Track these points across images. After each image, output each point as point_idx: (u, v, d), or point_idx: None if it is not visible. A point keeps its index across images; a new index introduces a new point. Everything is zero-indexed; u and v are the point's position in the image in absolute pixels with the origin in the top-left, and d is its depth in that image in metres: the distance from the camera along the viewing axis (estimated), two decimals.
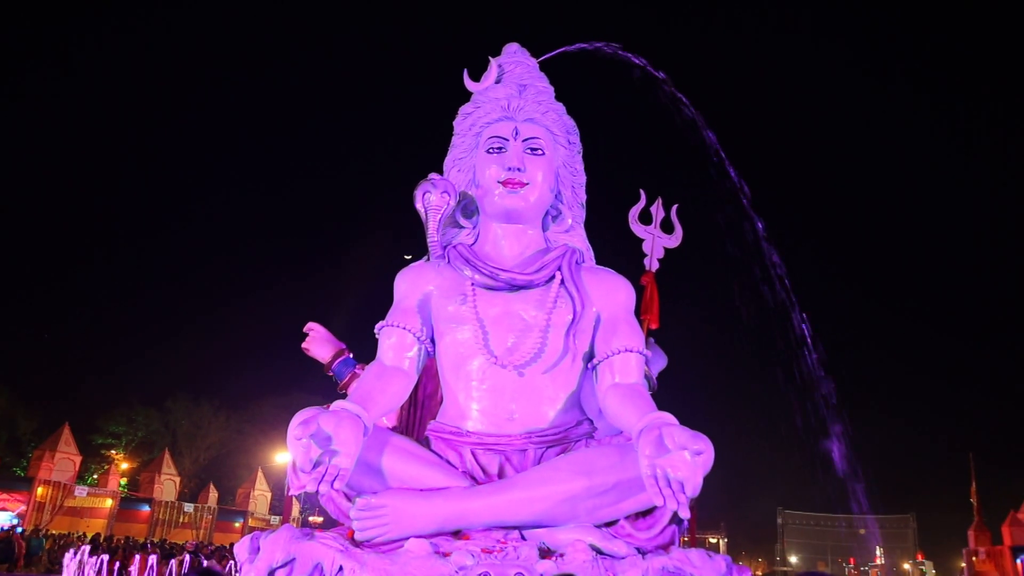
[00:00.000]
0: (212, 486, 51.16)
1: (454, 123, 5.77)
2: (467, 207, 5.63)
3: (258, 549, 4.29)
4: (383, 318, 5.28)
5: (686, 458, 3.89)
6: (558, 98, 5.82)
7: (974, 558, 43.85)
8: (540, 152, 5.43)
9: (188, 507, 48.13)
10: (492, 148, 5.45)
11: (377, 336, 5.25)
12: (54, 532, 34.06)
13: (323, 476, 4.03)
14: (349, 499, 4.60)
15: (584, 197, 5.78)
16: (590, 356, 5.19)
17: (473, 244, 5.50)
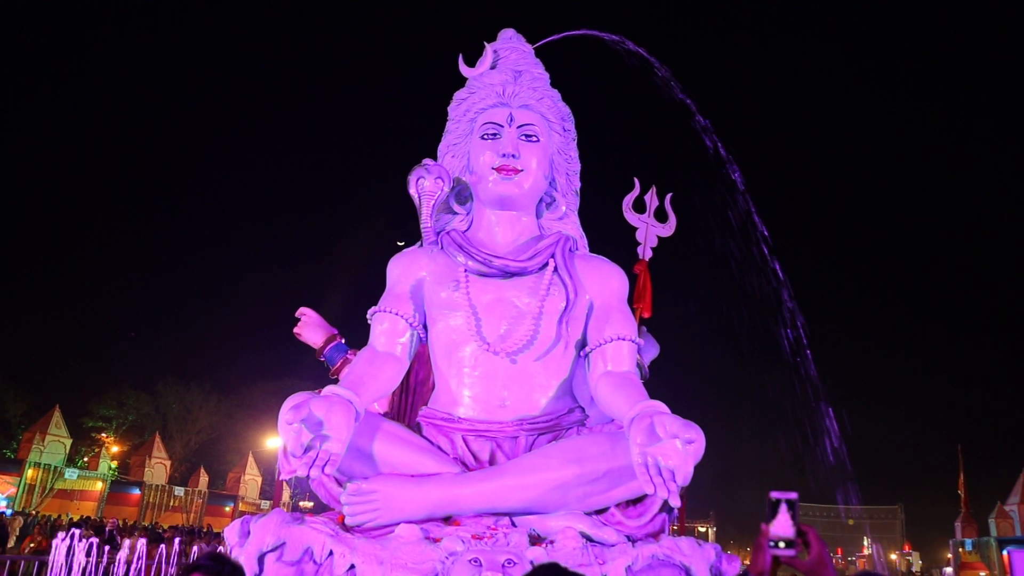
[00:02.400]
0: (203, 470, 51.07)
1: (448, 108, 5.74)
2: (461, 193, 5.61)
3: (248, 533, 4.28)
4: (376, 304, 5.27)
5: (677, 447, 3.90)
6: (553, 85, 5.79)
7: (961, 549, 44.14)
8: (535, 139, 5.41)
9: (178, 491, 48.11)
10: (487, 134, 5.43)
11: (369, 321, 5.24)
12: (34, 513, 34.03)
13: (314, 461, 4.03)
14: (340, 484, 4.60)
15: (578, 184, 5.77)
16: (583, 344, 5.19)
17: (467, 230, 5.49)
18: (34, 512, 34.25)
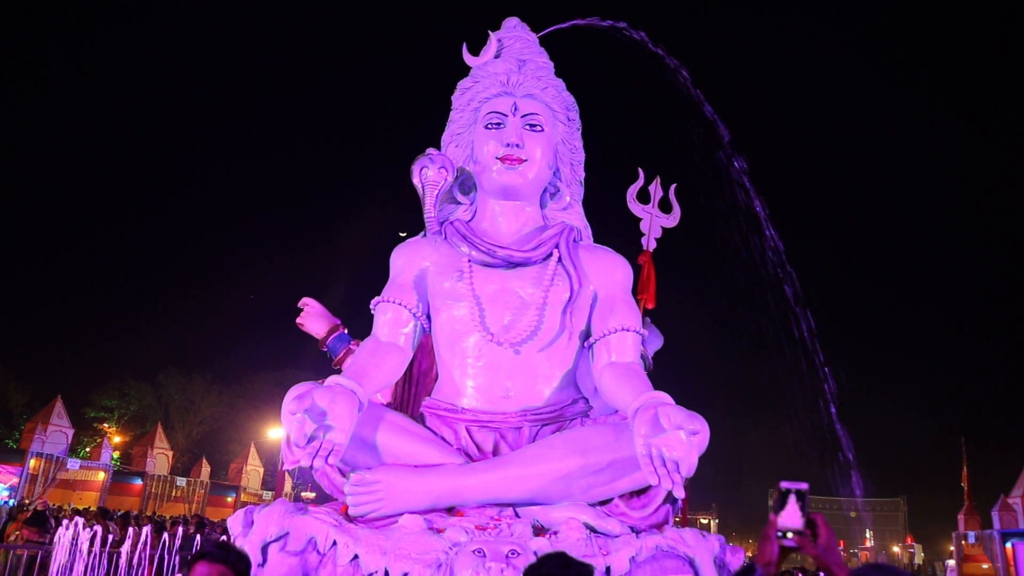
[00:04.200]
0: (204, 460, 51.10)
1: (452, 98, 5.71)
2: (465, 183, 5.58)
3: (252, 523, 4.27)
4: (379, 294, 5.25)
5: (681, 438, 3.88)
6: (558, 74, 5.76)
7: (964, 542, 44.11)
8: (539, 128, 5.38)
9: (180, 481, 48.11)
10: (491, 124, 5.40)
11: (373, 312, 5.22)
12: (26, 501, 34.08)
13: (317, 451, 4.02)
14: (343, 474, 4.59)
15: (583, 175, 5.74)
16: (587, 334, 5.16)
17: (470, 220, 5.46)
18: (26, 500, 34.34)
